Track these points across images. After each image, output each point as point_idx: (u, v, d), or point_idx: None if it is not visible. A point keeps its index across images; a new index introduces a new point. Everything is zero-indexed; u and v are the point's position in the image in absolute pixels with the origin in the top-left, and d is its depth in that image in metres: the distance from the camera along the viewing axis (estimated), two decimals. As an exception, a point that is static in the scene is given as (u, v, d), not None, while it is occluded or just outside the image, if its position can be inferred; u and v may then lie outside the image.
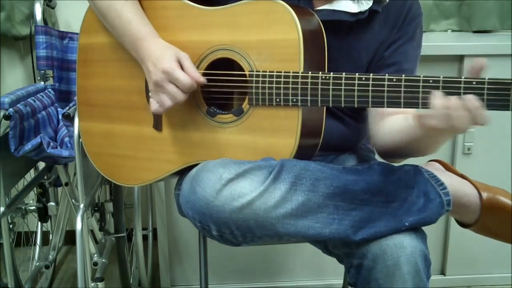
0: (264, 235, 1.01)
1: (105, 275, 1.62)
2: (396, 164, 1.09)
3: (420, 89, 0.95)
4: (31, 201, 1.84)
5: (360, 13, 1.14)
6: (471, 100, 0.88)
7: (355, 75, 1.00)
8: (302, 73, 1.03)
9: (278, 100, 1.05)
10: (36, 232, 2.01)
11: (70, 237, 2.00)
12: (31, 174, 1.78)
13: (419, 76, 0.95)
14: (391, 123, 1.14)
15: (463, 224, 1.11)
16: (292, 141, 1.05)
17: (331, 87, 1.01)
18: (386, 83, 0.97)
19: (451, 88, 0.92)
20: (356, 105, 1.00)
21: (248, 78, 1.08)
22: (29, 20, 1.97)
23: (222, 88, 1.11)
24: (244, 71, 1.08)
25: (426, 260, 1.00)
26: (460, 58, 1.80)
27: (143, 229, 1.90)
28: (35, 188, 1.77)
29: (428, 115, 0.91)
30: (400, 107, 0.98)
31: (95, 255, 1.69)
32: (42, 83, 1.76)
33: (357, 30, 1.17)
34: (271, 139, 1.07)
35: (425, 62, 1.36)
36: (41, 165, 1.79)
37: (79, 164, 1.38)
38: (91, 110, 1.28)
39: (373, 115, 1.20)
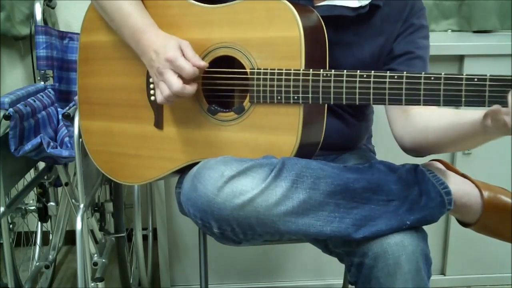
0: (265, 233, 1.01)
1: (105, 275, 1.62)
2: (397, 164, 1.09)
3: (422, 86, 0.95)
4: (31, 201, 1.84)
5: (361, 7, 1.14)
6: None
7: (356, 72, 1.00)
8: (303, 70, 1.03)
9: (279, 97, 1.05)
10: (36, 232, 2.01)
11: (70, 237, 2.00)
12: (31, 174, 1.78)
13: (421, 73, 0.95)
14: (426, 120, 1.12)
15: (464, 224, 1.11)
16: (293, 139, 1.05)
17: (332, 84, 1.01)
18: (387, 80, 0.97)
19: (453, 85, 0.92)
20: (357, 102, 1.00)
21: (249, 76, 1.08)
22: (29, 20, 1.98)
23: (223, 86, 1.11)
24: (245, 68, 1.08)
25: (427, 259, 1.00)
26: (460, 58, 1.81)
27: (143, 229, 1.89)
28: (35, 188, 1.77)
29: (504, 111, 0.88)
30: (402, 104, 0.98)
31: (95, 255, 1.69)
32: (42, 83, 1.76)
33: (358, 25, 1.17)
34: (272, 136, 1.07)
35: (425, 62, 1.36)
36: (41, 165, 1.78)
37: (79, 164, 1.37)
38: (92, 109, 1.28)
39: (394, 113, 1.19)
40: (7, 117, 1.36)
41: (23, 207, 1.77)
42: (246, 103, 1.09)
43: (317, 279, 1.96)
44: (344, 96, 1.01)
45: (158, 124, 1.19)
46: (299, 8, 1.05)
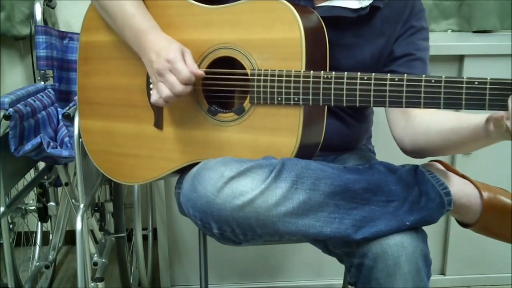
0: (265, 234, 1.01)
1: (105, 275, 1.62)
2: (397, 164, 1.09)
3: (422, 89, 0.95)
4: (31, 201, 1.84)
5: (361, 9, 1.14)
6: None
7: (357, 74, 1.00)
8: (303, 72, 1.03)
9: (279, 99, 1.05)
10: (36, 232, 2.01)
11: (70, 237, 2.00)
12: (31, 174, 1.78)
13: (421, 76, 0.95)
14: (426, 122, 1.12)
15: (463, 224, 1.11)
16: (293, 140, 1.05)
17: (332, 86, 1.02)
18: (388, 82, 0.97)
19: (453, 88, 0.93)
20: (357, 104, 1.01)
21: (249, 77, 1.08)
22: (29, 20, 1.97)
23: (224, 87, 1.11)
24: (245, 69, 1.08)
25: (426, 260, 1.00)
26: (460, 58, 1.80)
27: (143, 229, 1.89)
28: (35, 188, 1.77)
29: (506, 116, 0.88)
30: (402, 107, 0.98)
31: (95, 255, 1.69)
32: (42, 83, 1.76)
33: (358, 26, 1.17)
34: (272, 137, 1.07)
35: (425, 62, 1.36)
36: (41, 165, 1.78)
37: (79, 164, 1.37)
38: (91, 108, 1.28)
39: (395, 114, 1.19)
40: (7, 117, 1.36)
41: (23, 207, 1.77)
42: (246, 104, 1.09)
43: (317, 279, 1.96)
44: (344, 98, 1.01)
45: (158, 124, 1.19)
46: (299, 9, 1.05)
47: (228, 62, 1.11)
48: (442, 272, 1.99)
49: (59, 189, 1.83)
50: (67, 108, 1.42)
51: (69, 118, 1.36)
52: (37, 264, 1.88)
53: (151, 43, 1.11)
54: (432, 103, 0.95)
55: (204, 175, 1.00)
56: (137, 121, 1.21)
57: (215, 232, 1.02)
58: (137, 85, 1.21)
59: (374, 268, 0.99)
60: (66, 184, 1.64)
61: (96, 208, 1.71)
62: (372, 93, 0.99)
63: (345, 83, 1.01)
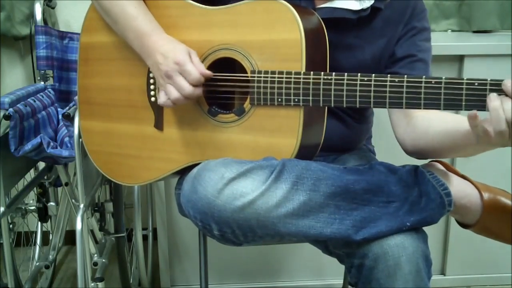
0: (265, 235, 1.00)
1: (105, 275, 1.62)
2: (397, 165, 1.09)
3: (422, 90, 0.95)
4: (31, 201, 1.84)
5: (362, 10, 1.14)
6: None
7: (357, 75, 1.00)
8: (304, 73, 1.03)
9: (279, 100, 1.05)
10: (36, 232, 2.01)
11: (70, 237, 2.00)
12: (31, 174, 1.78)
13: (421, 77, 0.95)
14: (426, 124, 1.12)
15: (463, 225, 1.11)
16: (293, 141, 1.05)
17: (333, 87, 1.01)
18: (388, 83, 0.97)
19: (453, 89, 0.93)
20: (358, 105, 1.01)
21: (249, 78, 1.08)
22: (29, 20, 1.97)
23: (224, 88, 1.11)
24: (246, 70, 1.08)
25: (427, 260, 1.00)
26: (460, 58, 1.80)
27: (143, 229, 1.89)
28: (35, 188, 1.77)
29: (485, 119, 0.88)
30: (402, 108, 0.98)
31: (95, 255, 1.69)
32: (42, 83, 1.76)
33: (359, 28, 1.17)
34: (273, 139, 1.07)
35: (426, 62, 1.36)
36: (41, 165, 1.78)
37: (79, 164, 1.37)
38: (92, 109, 1.28)
39: (397, 116, 1.19)
40: (7, 117, 1.36)
41: (23, 207, 1.77)
42: (247, 105, 1.09)
43: (317, 279, 1.97)
44: (344, 99, 1.01)
45: (158, 125, 1.19)
46: (300, 10, 1.05)
47: (228, 63, 1.11)
48: (442, 272, 1.99)
49: (59, 189, 1.83)
50: (67, 108, 1.42)
51: (69, 118, 1.36)
52: (37, 264, 1.88)
53: (155, 45, 1.11)
54: (432, 104, 0.95)
55: (204, 176, 1.00)
56: (137, 122, 1.21)
57: (216, 233, 1.02)
58: (137, 86, 1.21)
59: (374, 269, 0.99)
60: (66, 184, 1.64)
61: (96, 208, 1.71)
62: (372, 94, 0.99)
63: (345, 84, 1.00)
